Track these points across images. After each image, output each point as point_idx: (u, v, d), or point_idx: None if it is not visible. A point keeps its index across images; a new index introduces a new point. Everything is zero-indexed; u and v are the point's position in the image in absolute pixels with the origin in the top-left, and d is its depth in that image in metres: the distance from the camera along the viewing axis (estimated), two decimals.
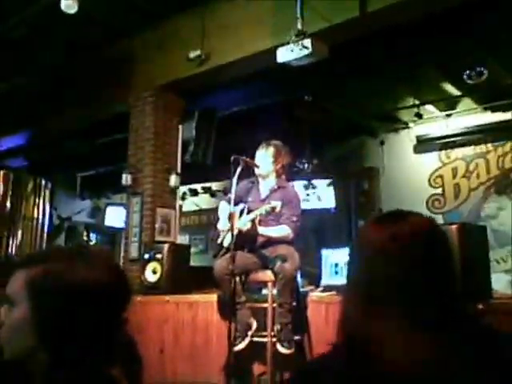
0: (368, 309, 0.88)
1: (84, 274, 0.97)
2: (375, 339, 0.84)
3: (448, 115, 6.73)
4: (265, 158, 3.56)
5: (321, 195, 7.43)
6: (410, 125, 7.10)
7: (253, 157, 3.57)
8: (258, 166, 3.54)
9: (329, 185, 7.47)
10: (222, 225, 3.59)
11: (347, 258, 1.00)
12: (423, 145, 7.00)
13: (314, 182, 7.45)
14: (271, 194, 3.58)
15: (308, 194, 7.23)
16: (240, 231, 3.35)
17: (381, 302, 0.88)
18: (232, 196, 3.29)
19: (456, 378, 0.79)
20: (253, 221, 3.29)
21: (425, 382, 0.80)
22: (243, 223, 3.34)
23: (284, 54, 3.73)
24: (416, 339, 0.83)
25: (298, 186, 6.88)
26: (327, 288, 3.90)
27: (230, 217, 3.34)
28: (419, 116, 6.47)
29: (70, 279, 0.96)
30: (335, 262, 4.07)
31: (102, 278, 0.99)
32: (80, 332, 0.95)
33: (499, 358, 0.81)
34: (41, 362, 0.95)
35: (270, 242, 3.48)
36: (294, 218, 3.46)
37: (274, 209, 3.13)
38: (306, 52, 3.62)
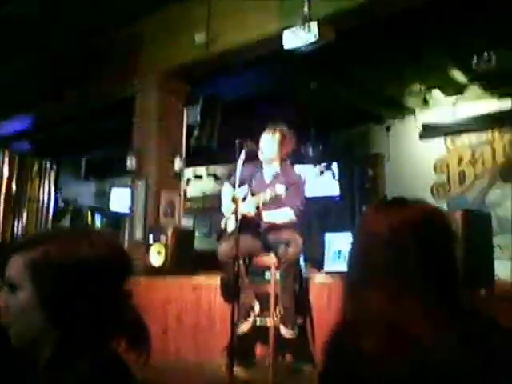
0: (363, 291, 0.92)
1: (85, 252, 1.00)
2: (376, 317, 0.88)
3: (455, 102, 6.70)
4: (270, 144, 3.57)
5: (325, 181, 7.43)
6: (417, 111, 7.07)
7: (258, 141, 3.58)
8: (262, 151, 3.55)
9: (334, 171, 7.47)
10: (226, 209, 3.61)
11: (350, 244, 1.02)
12: (429, 131, 6.98)
13: (319, 167, 7.46)
14: (275, 178, 3.60)
15: (312, 180, 7.24)
16: (244, 216, 3.38)
17: (378, 284, 0.91)
18: (236, 180, 3.31)
19: (443, 357, 0.83)
20: (257, 207, 3.32)
21: (414, 354, 0.83)
22: (248, 209, 3.36)
23: (290, 39, 3.72)
24: (416, 314, 0.86)
25: (302, 171, 6.88)
26: (330, 273, 3.94)
27: (234, 200, 3.36)
28: (426, 102, 6.44)
29: (71, 258, 0.99)
30: (338, 248, 4.11)
31: (102, 254, 1.02)
32: (85, 309, 0.98)
33: (484, 348, 0.84)
34: (51, 342, 0.98)
35: (274, 226, 3.51)
36: (298, 203, 3.48)
37: (278, 196, 3.15)
38: (312, 37, 3.61)
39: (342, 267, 3.93)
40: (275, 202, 3.37)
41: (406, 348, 0.84)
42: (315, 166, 7.39)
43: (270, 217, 3.43)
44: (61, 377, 0.95)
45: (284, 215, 3.46)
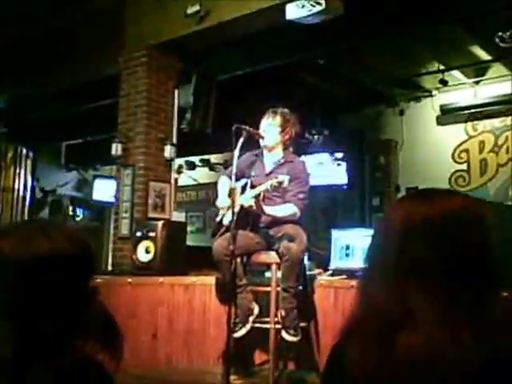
0: (399, 286, 0.92)
1: (43, 247, 1.01)
2: (411, 314, 0.88)
3: (476, 82, 6.68)
4: (271, 128, 3.56)
5: (332, 170, 7.44)
6: (434, 93, 7.05)
7: (257, 126, 3.56)
8: (262, 137, 3.54)
9: (341, 159, 7.47)
10: (222, 201, 3.60)
11: (370, 238, 1.02)
12: (447, 115, 6.96)
13: (325, 155, 7.45)
14: (277, 167, 3.58)
15: (317, 169, 7.23)
16: (242, 208, 3.37)
17: (412, 280, 0.91)
18: (233, 170, 3.30)
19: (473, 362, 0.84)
20: (257, 197, 3.30)
21: (452, 358, 0.84)
22: (246, 199, 3.36)
23: (294, 11, 3.69)
24: (451, 317, 0.87)
25: (307, 159, 6.88)
26: (337, 272, 3.95)
27: (231, 193, 3.35)
28: (444, 83, 6.42)
29: (26, 254, 1.00)
30: (346, 243, 4.11)
31: (61, 249, 1.03)
32: (46, 306, 1.00)
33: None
34: (9, 342, 0.99)
35: (275, 220, 3.50)
36: (302, 196, 3.47)
37: (280, 184, 3.13)
38: (318, 8, 3.59)
39: (350, 264, 3.97)
40: (277, 191, 3.36)
41: (442, 362, 0.84)
42: (319, 153, 7.38)
43: (270, 210, 3.43)
44: (23, 379, 0.97)
45: (286, 209, 3.46)
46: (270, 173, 3.56)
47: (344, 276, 3.80)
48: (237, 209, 3.31)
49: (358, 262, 3.94)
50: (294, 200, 3.45)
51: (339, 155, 7.47)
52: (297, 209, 3.44)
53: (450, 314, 0.88)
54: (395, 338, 0.87)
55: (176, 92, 5.62)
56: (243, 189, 3.55)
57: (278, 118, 3.56)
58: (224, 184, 3.69)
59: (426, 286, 0.90)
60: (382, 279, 0.95)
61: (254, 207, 3.32)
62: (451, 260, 0.91)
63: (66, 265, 1.03)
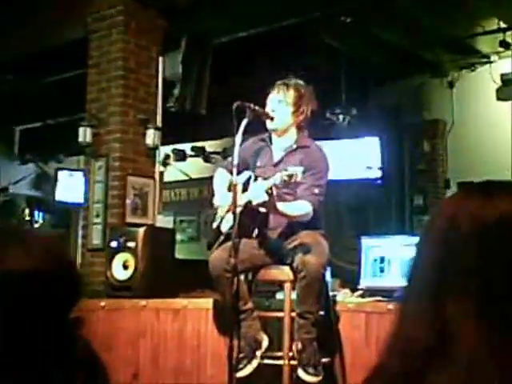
0: (438, 307, 0.92)
1: (17, 262, 1.00)
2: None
3: None
4: (281, 106, 3.53)
5: (361, 161, 7.41)
6: (493, 58, 7.00)
7: (264, 104, 3.54)
8: (271, 118, 3.52)
9: (373, 146, 7.43)
10: (220, 200, 3.59)
11: (413, 249, 1.01)
12: (510, 87, 6.91)
13: (352, 142, 7.43)
14: (287, 155, 3.58)
15: (342, 159, 7.21)
16: (247, 207, 3.36)
17: (457, 297, 0.91)
18: (235, 160, 3.28)
19: None
20: (268, 191, 3.24)
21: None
22: (257, 194, 3.30)
23: None
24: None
25: (328, 147, 6.85)
26: (368, 292, 3.95)
27: (231, 189, 3.33)
28: (506, 46, 6.37)
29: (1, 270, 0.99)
30: (380, 255, 4.11)
31: (40, 266, 1.01)
32: (17, 339, 0.98)
33: None
34: None
35: (288, 225, 3.50)
36: (317, 190, 3.44)
37: (291, 177, 3.10)
38: None
39: (386, 282, 3.96)
40: (288, 187, 3.34)
41: None
42: (345, 138, 7.36)
43: (284, 207, 3.39)
44: None
45: (301, 207, 3.43)
46: (279, 162, 3.57)
47: (378, 297, 3.80)
48: (239, 209, 3.30)
49: (395, 278, 3.93)
50: (306, 195, 3.42)
51: (371, 141, 7.43)
52: (311, 207, 3.42)
53: (501, 347, 0.86)
54: (425, 379, 0.87)
55: (161, 60, 5.62)
56: (246, 184, 3.53)
57: (291, 93, 3.54)
58: (222, 178, 3.68)
59: (472, 308, 0.89)
60: (418, 299, 0.94)
61: (267, 205, 3.27)
62: (509, 277, 0.89)
63: (43, 287, 1.01)
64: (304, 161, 3.44)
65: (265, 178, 3.35)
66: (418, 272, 0.99)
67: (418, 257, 1.01)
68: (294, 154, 3.57)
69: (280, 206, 3.33)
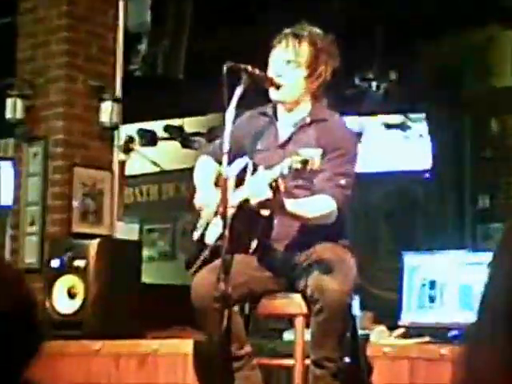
0: None
1: None
2: None
3: None
4: (291, 68, 3.53)
5: (404, 145, 7.42)
6: None
7: (266, 64, 3.54)
8: (276, 85, 3.52)
9: (420, 124, 7.44)
10: (203, 200, 3.59)
11: (486, 270, 1.04)
12: None
13: (391, 118, 7.44)
14: (298, 132, 3.58)
15: (377, 143, 7.22)
16: (242, 208, 3.37)
17: None
18: (225, 143, 3.27)
19: None
20: (273, 185, 3.21)
21: None
22: (257, 189, 3.27)
23: None
24: None
25: (357, 126, 6.87)
26: (413, 330, 3.95)
27: (220, 184, 3.34)
28: None
29: None
30: (430, 278, 4.13)
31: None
32: None
33: None
34: None
35: (300, 233, 3.50)
36: (343, 181, 3.44)
37: (305, 163, 3.04)
38: None
39: (438, 317, 3.98)
40: (301, 178, 3.33)
41: None
42: (384, 114, 7.37)
43: (295, 206, 3.36)
44: None
45: (320, 204, 3.41)
46: (287, 142, 3.57)
47: (426, 338, 3.80)
48: (232, 212, 3.30)
49: (451, 311, 3.94)
50: (328, 188, 3.40)
51: (416, 118, 7.44)
52: (335, 204, 3.41)
53: None
54: None
55: (121, 4, 5.63)
56: (240, 177, 3.53)
57: (304, 49, 3.53)
58: (207, 169, 3.71)
59: None
60: (493, 339, 0.97)
61: (271, 203, 3.25)
62: None
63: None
64: (322, 139, 3.44)
65: (267, 167, 3.32)
66: (493, 303, 0.99)
67: (491, 282, 1.02)
68: (307, 131, 3.57)
69: (290, 204, 3.31)
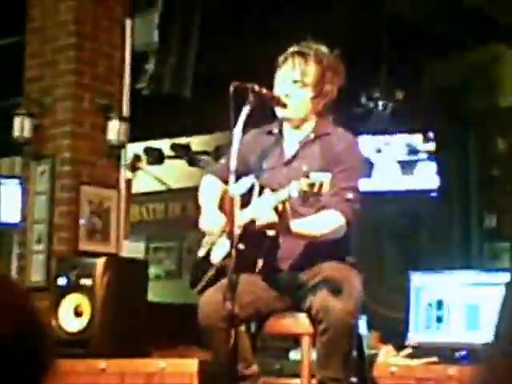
0: None
1: None
2: None
3: None
4: (297, 87, 3.54)
5: (411, 164, 7.40)
6: None
7: (272, 84, 3.55)
8: (283, 104, 3.52)
9: (427, 144, 7.43)
10: (209, 222, 3.57)
11: (503, 291, 1.06)
12: None
13: (397, 138, 7.43)
14: (303, 148, 3.58)
15: (383, 163, 7.20)
16: (247, 231, 3.34)
17: None
18: (232, 162, 3.27)
19: None
20: (279, 208, 3.19)
21: None
22: (263, 211, 3.27)
23: None
24: None
25: (364, 144, 6.86)
26: (421, 350, 3.94)
27: (225, 203, 3.34)
28: None
29: None
30: (437, 298, 4.13)
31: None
32: None
33: None
34: None
35: (306, 250, 3.50)
36: (350, 195, 3.42)
37: (312, 186, 3.03)
38: None
39: (446, 337, 3.98)
40: (309, 199, 3.30)
41: None
42: (390, 134, 7.36)
43: (301, 227, 3.37)
44: None
45: (327, 220, 3.41)
46: (292, 159, 3.57)
47: (433, 358, 3.79)
48: (238, 232, 3.29)
49: (458, 332, 3.94)
50: (335, 202, 3.40)
51: (424, 137, 7.43)
52: (343, 218, 3.40)
53: None
54: None
55: (129, 24, 5.64)
56: (246, 198, 3.51)
57: (311, 69, 3.54)
58: (212, 189, 3.70)
59: None
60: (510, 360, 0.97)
61: (277, 225, 3.25)
62: None
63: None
64: (326, 153, 3.45)
65: (273, 187, 3.32)
66: (510, 322, 0.98)
67: (508, 302, 1.00)
68: (312, 147, 3.58)
69: (296, 225, 3.31)
